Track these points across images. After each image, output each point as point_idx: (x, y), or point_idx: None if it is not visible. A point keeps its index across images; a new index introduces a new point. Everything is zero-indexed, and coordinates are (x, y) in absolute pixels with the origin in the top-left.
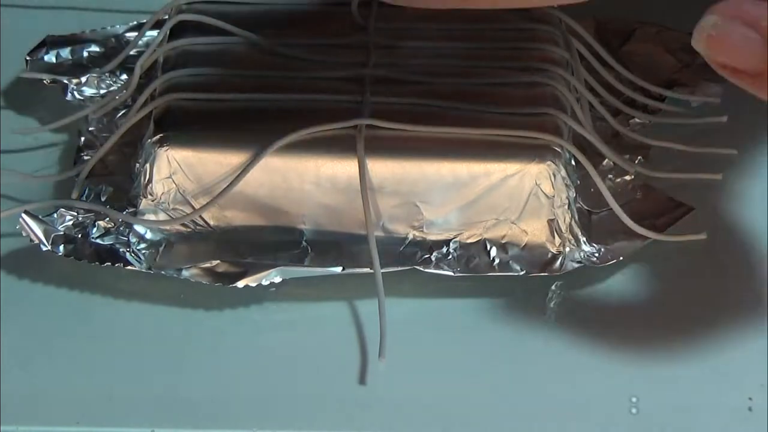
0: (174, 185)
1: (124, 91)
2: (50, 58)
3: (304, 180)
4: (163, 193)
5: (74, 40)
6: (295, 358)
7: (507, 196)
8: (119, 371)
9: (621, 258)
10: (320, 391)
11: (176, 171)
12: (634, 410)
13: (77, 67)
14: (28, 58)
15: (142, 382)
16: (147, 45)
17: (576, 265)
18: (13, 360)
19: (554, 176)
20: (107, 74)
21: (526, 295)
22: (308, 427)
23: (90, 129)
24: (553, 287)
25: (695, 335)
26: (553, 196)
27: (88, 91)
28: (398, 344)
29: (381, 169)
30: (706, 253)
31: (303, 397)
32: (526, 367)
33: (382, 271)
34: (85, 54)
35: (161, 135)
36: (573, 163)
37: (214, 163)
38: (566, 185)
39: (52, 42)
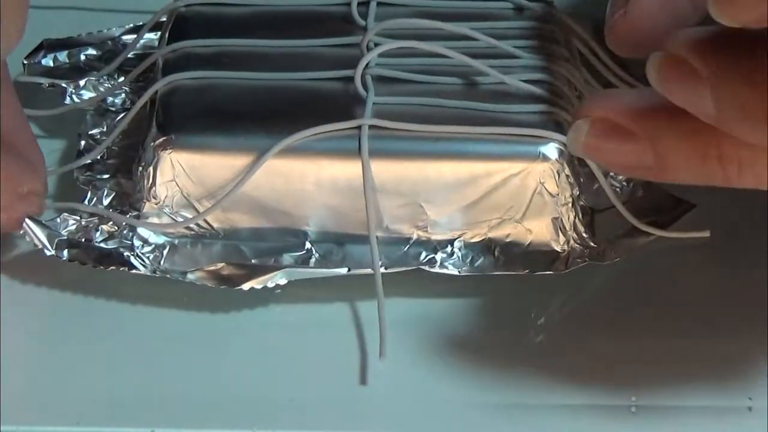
0: (177, 188)
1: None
2: (47, 61)
3: (308, 181)
4: (166, 197)
5: (71, 44)
6: (295, 359)
7: (511, 194)
8: (120, 371)
9: (624, 256)
10: (320, 391)
11: (179, 174)
12: (633, 410)
13: (75, 71)
14: (25, 61)
15: (142, 382)
16: (145, 47)
17: (580, 263)
18: (13, 360)
19: (558, 174)
20: (105, 77)
21: (528, 295)
22: (308, 427)
23: (90, 133)
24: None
25: (695, 335)
26: (558, 195)
27: (87, 95)
28: (399, 344)
29: (384, 169)
30: (707, 252)
31: (303, 397)
32: (527, 366)
33: (386, 271)
34: (83, 57)
35: (164, 138)
36: (576, 160)
37: (217, 165)
38: (570, 183)
39: (49, 45)
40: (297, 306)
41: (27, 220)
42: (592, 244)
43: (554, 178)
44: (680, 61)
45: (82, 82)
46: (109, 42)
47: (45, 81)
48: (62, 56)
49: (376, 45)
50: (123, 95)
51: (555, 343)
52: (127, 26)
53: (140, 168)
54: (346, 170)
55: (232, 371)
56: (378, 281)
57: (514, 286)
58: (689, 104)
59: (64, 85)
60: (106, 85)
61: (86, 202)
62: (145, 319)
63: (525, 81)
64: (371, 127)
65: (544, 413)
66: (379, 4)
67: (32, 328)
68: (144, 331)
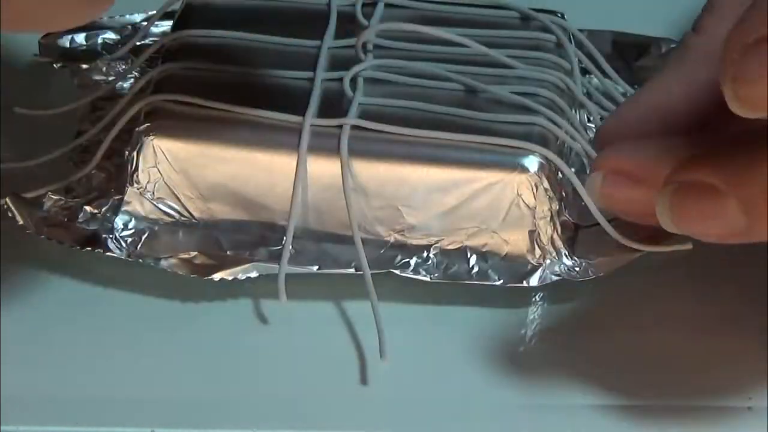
0: (159, 175)
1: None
2: (64, 42)
3: (289, 177)
4: (148, 182)
5: (90, 26)
6: (295, 358)
7: (489, 204)
8: (119, 371)
9: (602, 273)
10: (320, 391)
11: (161, 161)
12: (634, 410)
13: (90, 53)
14: (41, 41)
15: (142, 382)
16: (165, 34)
17: (555, 278)
18: (12, 360)
19: (536, 187)
20: (117, 61)
21: (522, 299)
22: (308, 427)
23: (91, 115)
24: (536, 297)
25: (695, 335)
26: (535, 207)
27: (97, 77)
28: (399, 345)
29: (365, 170)
30: (705, 254)
31: (303, 397)
32: (526, 367)
33: (359, 273)
34: (100, 40)
35: (148, 124)
36: (561, 174)
37: (199, 155)
38: (549, 197)
39: None
40: (297, 305)
41: (9, 197)
42: (569, 260)
43: (532, 190)
44: (692, 185)
45: (93, 65)
46: (129, 27)
47: (56, 63)
48: (80, 38)
49: (374, 47)
50: (132, 80)
51: (554, 343)
52: (149, 12)
53: (126, 152)
54: (326, 169)
55: (232, 371)
56: (368, 281)
57: (513, 289)
58: (715, 226)
59: (75, 66)
60: (117, 69)
61: (76, 183)
62: (145, 317)
63: (518, 92)
64: (354, 127)
65: (543, 413)
66: (385, 5)
67: (31, 326)
68: (145, 330)
